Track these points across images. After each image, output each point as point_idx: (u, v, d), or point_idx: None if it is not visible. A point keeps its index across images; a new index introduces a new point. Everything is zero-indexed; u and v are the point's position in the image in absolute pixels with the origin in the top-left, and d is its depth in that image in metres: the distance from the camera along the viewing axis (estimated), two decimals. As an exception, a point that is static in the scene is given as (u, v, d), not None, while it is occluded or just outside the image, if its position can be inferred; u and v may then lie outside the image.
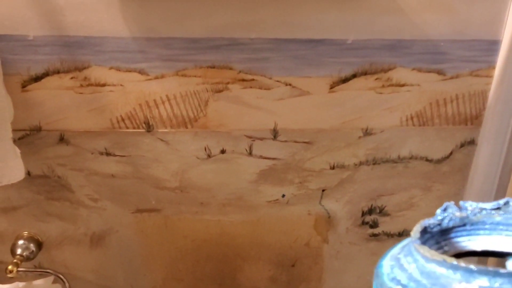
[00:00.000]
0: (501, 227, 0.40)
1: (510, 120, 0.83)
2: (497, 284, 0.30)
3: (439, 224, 0.40)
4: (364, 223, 0.93)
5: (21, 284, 0.85)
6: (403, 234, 0.95)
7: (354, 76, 0.81)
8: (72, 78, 0.78)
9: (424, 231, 0.39)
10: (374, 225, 0.94)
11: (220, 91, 0.80)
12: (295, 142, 0.85)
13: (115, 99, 0.80)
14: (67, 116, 0.81)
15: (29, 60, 0.76)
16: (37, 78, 0.77)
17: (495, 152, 0.86)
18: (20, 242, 0.88)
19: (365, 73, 0.80)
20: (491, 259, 0.84)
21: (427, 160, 0.88)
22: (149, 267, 0.95)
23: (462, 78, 0.82)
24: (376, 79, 0.81)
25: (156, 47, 0.77)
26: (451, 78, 0.82)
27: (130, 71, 0.78)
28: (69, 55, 0.76)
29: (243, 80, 0.80)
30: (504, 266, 0.39)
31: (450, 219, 0.40)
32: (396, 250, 0.41)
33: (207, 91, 0.80)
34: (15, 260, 0.85)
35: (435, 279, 0.33)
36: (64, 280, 0.87)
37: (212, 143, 0.84)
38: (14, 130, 0.79)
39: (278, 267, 0.97)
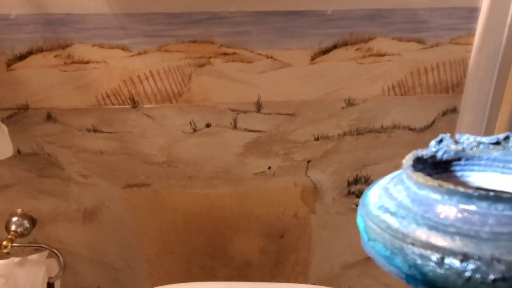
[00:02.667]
0: (497, 163, 0.37)
1: (491, 87, 0.84)
2: (497, 210, 0.28)
3: (433, 156, 0.37)
4: (350, 193, 0.95)
5: (16, 259, 0.87)
6: (389, 203, 0.96)
7: (334, 47, 0.81)
8: (56, 56, 0.79)
9: (417, 161, 0.37)
10: (360, 194, 0.95)
11: (202, 65, 0.81)
12: (279, 114, 0.86)
13: (100, 76, 0.81)
14: (53, 94, 0.82)
15: (13, 39, 0.77)
16: (21, 57, 0.78)
17: (477, 119, 0.87)
18: (14, 219, 0.91)
19: (345, 44, 0.81)
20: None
21: (410, 129, 0.89)
22: (141, 241, 0.98)
23: (442, 46, 0.83)
24: (356, 49, 0.82)
25: (137, 23, 0.77)
26: (431, 46, 0.82)
27: (112, 48, 0.79)
28: (51, 33, 0.77)
29: (225, 54, 0.81)
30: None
31: (445, 152, 0.37)
32: (384, 180, 0.39)
33: (190, 65, 0.81)
34: (9, 236, 0.87)
35: (428, 206, 0.31)
36: (58, 254, 0.90)
37: (197, 117, 0.86)
38: (1, 109, 0.81)
39: (268, 238, 0.99)
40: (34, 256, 0.88)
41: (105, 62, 0.80)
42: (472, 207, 0.29)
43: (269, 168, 0.91)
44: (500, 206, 0.28)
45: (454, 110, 0.88)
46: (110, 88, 0.82)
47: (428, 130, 0.90)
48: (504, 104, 0.85)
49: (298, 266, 1.03)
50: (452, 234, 0.28)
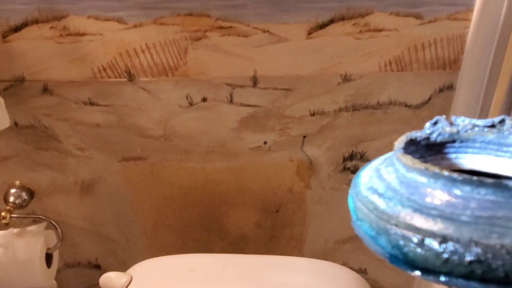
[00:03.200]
0: (492, 146, 0.37)
1: (488, 63, 0.84)
2: (480, 195, 0.28)
3: (427, 138, 0.37)
4: (345, 168, 0.96)
5: (15, 230, 0.89)
6: (384, 179, 0.97)
7: (331, 21, 0.81)
8: (51, 27, 0.79)
9: (410, 143, 0.37)
10: (355, 170, 0.96)
11: (198, 39, 0.81)
12: (275, 89, 0.86)
13: (95, 48, 0.81)
14: (49, 67, 0.82)
15: (8, 10, 0.77)
16: (17, 28, 0.78)
17: (473, 96, 0.87)
18: (12, 190, 0.92)
19: (342, 19, 0.81)
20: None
21: (406, 105, 0.89)
22: (138, 214, 0.99)
23: (440, 22, 0.82)
24: (353, 24, 0.81)
25: (133, -5, 0.77)
26: (429, 22, 0.82)
27: (108, 20, 0.79)
28: (47, 4, 0.77)
29: (221, 27, 0.80)
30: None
31: (439, 134, 0.37)
32: (377, 161, 0.39)
33: (186, 39, 0.81)
34: (8, 207, 0.88)
35: (414, 189, 0.31)
36: (56, 226, 0.91)
37: (193, 91, 0.86)
38: (-3, 81, 0.81)
39: (263, 212, 1.00)
40: (32, 227, 0.90)
41: (100, 34, 0.80)
42: (456, 191, 0.29)
43: (265, 143, 0.92)
44: (482, 191, 0.29)
45: (450, 87, 0.88)
46: (106, 60, 0.82)
47: (424, 107, 0.90)
48: (501, 82, 0.85)
49: (293, 241, 1.04)
50: (434, 217, 0.29)
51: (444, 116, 0.39)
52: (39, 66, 0.82)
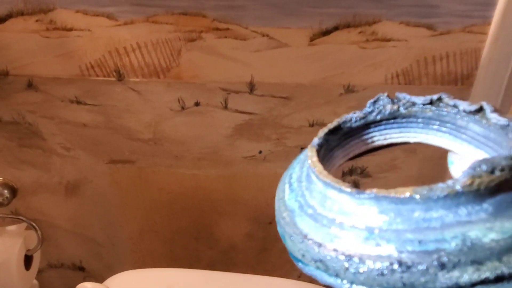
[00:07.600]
0: (433, 122, 0.36)
1: (504, 81, 0.78)
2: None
3: (363, 118, 0.36)
4: (344, 183, 0.91)
5: (-6, 229, 0.85)
6: (384, 196, 0.92)
7: (336, 28, 0.75)
8: (37, 20, 0.74)
9: (336, 129, 0.35)
10: (355, 186, 0.91)
11: (193, 40, 0.76)
12: (273, 96, 0.81)
13: (83, 44, 0.76)
14: (35, 61, 0.78)
15: (-9, 0, 0.72)
16: (0, 20, 0.74)
17: (484, 115, 0.81)
18: (-6, 187, 0.88)
19: (348, 26, 0.75)
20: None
21: (412, 121, 0.84)
22: (125, 218, 0.95)
23: (453, 34, 0.76)
24: (359, 32, 0.76)
25: (124, -10, 0.72)
26: (442, 34, 0.76)
27: (97, 15, 0.74)
28: (32, -4, 0.72)
29: (217, 29, 0.75)
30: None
31: (379, 112, 0.37)
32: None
33: (180, 39, 0.76)
34: (-13, 205, 0.85)
35: (309, 183, 0.30)
36: (37, 228, 0.87)
37: (186, 95, 0.81)
38: (-21, 74, 0.77)
39: (255, 223, 0.95)
40: (12, 227, 0.86)
41: (89, 30, 0.75)
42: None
43: (260, 152, 0.87)
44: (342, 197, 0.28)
45: (461, 104, 0.82)
46: (94, 58, 0.77)
47: (431, 124, 0.84)
48: (516, 101, 0.79)
49: (285, 254, 0.98)
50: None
51: (386, 93, 0.37)
52: (23, 60, 0.77)
